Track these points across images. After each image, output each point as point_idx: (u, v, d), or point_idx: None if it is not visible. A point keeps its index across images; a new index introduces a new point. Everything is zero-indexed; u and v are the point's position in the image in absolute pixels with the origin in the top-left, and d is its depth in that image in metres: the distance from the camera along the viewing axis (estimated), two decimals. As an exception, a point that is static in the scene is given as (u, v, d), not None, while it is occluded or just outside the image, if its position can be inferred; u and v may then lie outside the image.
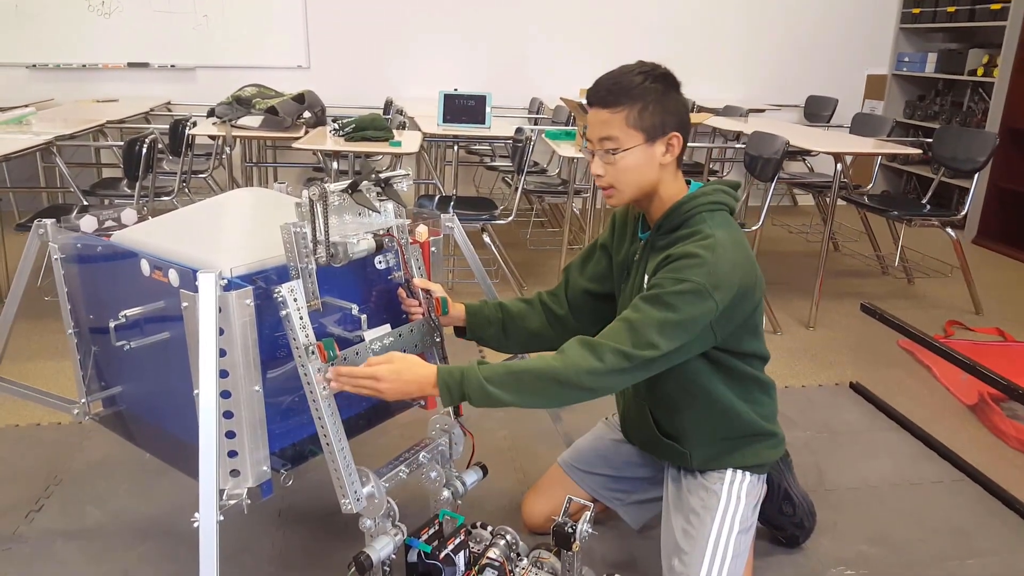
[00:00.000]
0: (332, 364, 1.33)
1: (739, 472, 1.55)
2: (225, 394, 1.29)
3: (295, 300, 1.29)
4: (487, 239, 3.18)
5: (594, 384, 1.34)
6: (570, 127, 3.75)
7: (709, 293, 1.33)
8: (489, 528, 1.65)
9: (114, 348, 1.46)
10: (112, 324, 1.40)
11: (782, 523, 1.76)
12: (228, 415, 1.30)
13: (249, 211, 1.55)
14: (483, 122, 3.38)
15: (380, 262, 1.50)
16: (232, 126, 3.30)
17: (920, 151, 3.62)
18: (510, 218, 3.10)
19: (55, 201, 3.95)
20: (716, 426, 1.52)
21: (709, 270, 1.33)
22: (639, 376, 1.37)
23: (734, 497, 1.52)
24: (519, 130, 3.21)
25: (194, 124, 3.34)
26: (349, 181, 1.34)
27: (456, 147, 3.81)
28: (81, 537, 1.72)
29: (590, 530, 1.46)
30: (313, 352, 1.29)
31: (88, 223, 1.58)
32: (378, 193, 1.41)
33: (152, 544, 1.69)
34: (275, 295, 1.28)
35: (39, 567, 1.63)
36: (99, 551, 1.68)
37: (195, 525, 1.16)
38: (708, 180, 1.78)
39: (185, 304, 1.26)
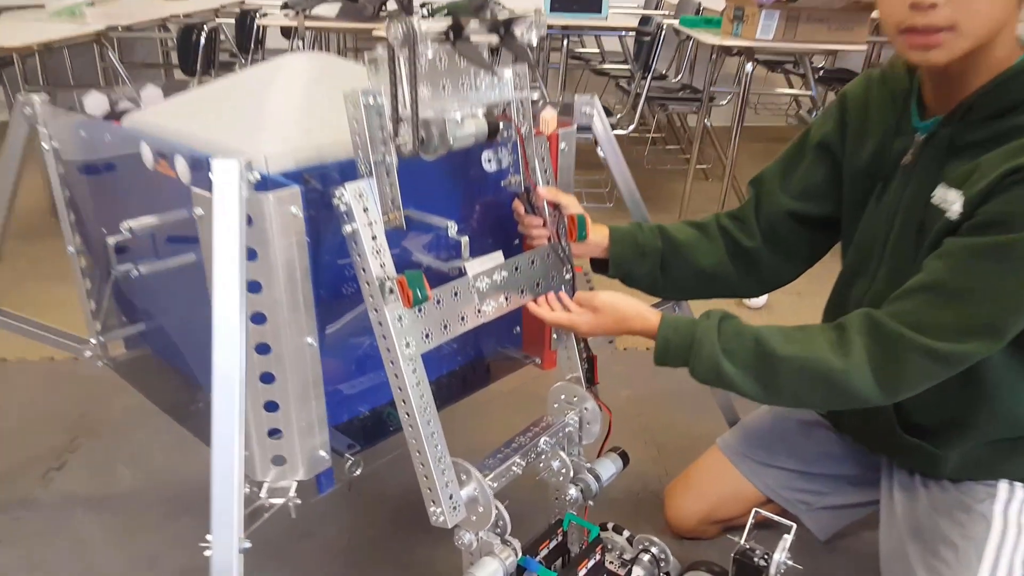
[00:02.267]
0: (420, 308, 0.88)
1: (1018, 488, 1.03)
2: (262, 348, 0.86)
3: (365, 210, 0.83)
4: (601, 153, 2.64)
5: (896, 395, 0.92)
6: (708, 14, 3.09)
7: None
8: (626, 534, 1.20)
9: (133, 273, 1.05)
10: (111, 241, 0.98)
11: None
12: (267, 378, 0.87)
13: (308, 83, 1.08)
14: (598, 11, 2.79)
15: (489, 160, 1.02)
16: (306, 16, 2.84)
17: None
18: (630, 127, 2.56)
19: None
20: (994, 423, 1.00)
21: None
22: (952, 372, 0.91)
23: (1012, 524, 1.01)
24: (645, 19, 2.62)
25: (264, 15, 2.89)
26: (447, 21, 0.85)
27: (566, 42, 3.20)
28: (105, 508, 1.37)
29: (789, 561, 0.99)
30: (392, 291, 0.84)
31: (95, 103, 1.15)
32: (491, 50, 0.92)
33: (190, 520, 1.32)
34: (335, 200, 0.82)
35: (44, 549, 1.29)
36: (124, 528, 1.32)
37: (206, 554, 0.74)
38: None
39: (199, 211, 0.82)
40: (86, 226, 1.17)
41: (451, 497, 0.90)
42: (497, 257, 0.99)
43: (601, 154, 1.26)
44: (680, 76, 3.57)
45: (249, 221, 0.80)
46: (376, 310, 0.85)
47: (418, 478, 0.89)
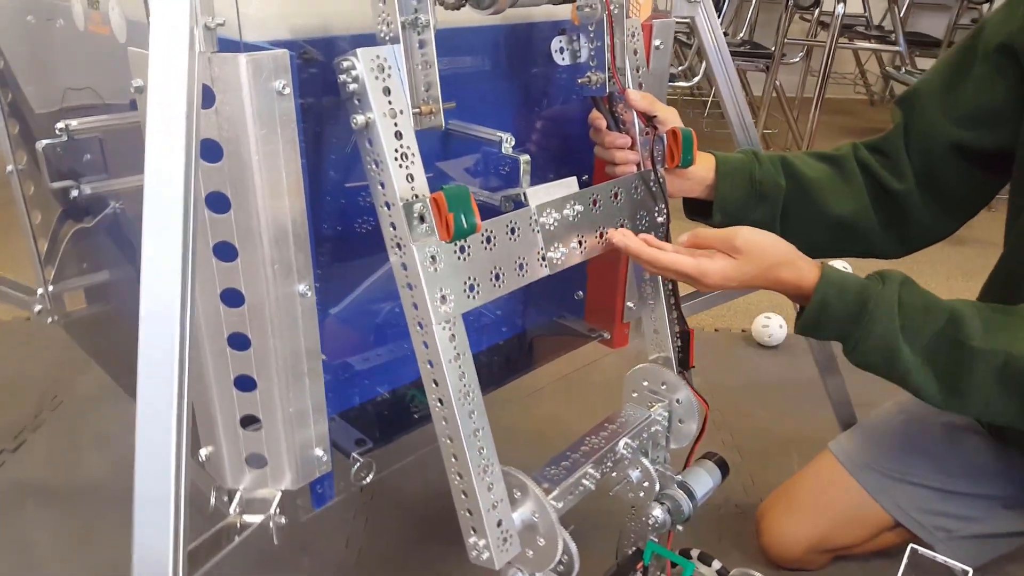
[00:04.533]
0: (463, 246, 0.60)
1: None
2: (231, 296, 0.59)
3: (386, 92, 0.55)
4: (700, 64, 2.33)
5: None
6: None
7: None
8: (716, 565, 0.91)
9: (93, 199, 0.79)
10: (40, 147, 0.71)
11: None
12: (238, 341, 0.60)
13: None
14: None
15: (562, 49, 0.73)
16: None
17: None
18: (695, 79, 2.25)
19: None
20: None
21: None
22: None
23: None
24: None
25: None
26: None
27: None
28: (64, 501, 1.12)
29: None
30: (423, 217, 0.56)
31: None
32: None
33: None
34: (341, 77, 0.54)
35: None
36: (81, 529, 1.07)
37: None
38: None
39: (137, 82, 0.54)
40: (27, 132, 0.90)
41: (499, 524, 0.62)
42: (570, 184, 0.70)
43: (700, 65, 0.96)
44: (742, 35, 3.24)
45: (210, 99, 0.53)
46: (399, 247, 0.57)
47: (453, 495, 0.62)
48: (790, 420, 1.38)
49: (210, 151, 0.54)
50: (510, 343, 0.95)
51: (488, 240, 0.62)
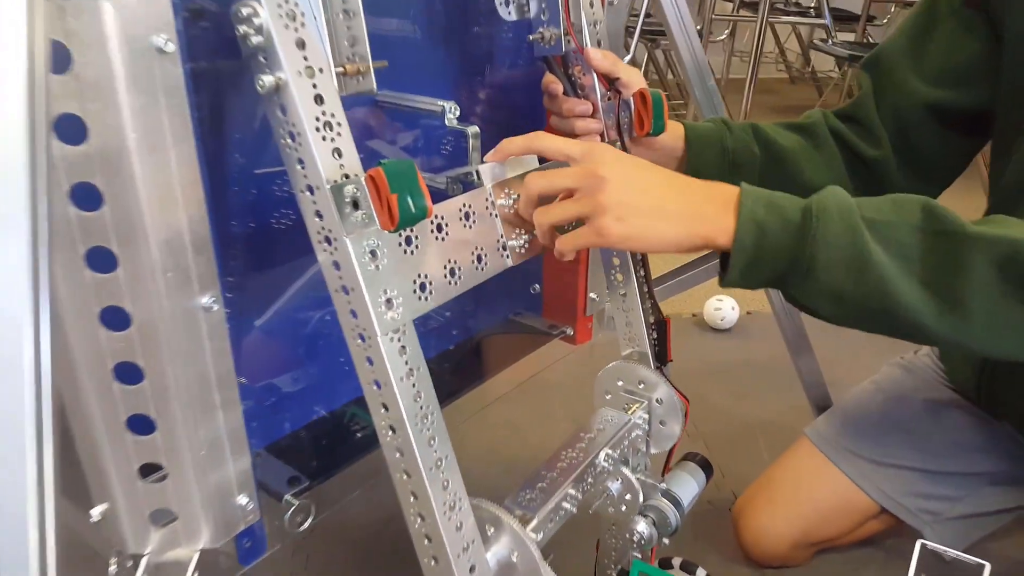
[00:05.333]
0: (407, 233, 0.49)
1: None
2: (112, 317, 0.46)
3: (301, 47, 0.43)
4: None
5: None
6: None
7: None
8: (702, 574, 0.83)
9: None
10: None
11: None
12: (127, 372, 0.47)
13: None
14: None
15: (508, 2, 0.63)
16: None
17: None
18: (628, 56, 2.17)
19: None
20: None
21: None
22: None
23: None
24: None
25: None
26: None
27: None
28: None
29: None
30: (356, 202, 0.44)
31: None
32: None
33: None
34: (241, 28, 0.42)
35: None
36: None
37: None
38: None
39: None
40: None
41: (472, 571, 0.51)
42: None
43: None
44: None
45: (64, 60, 0.40)
46: (328, 241, 0.45)
47: (415, 541, 0.51)
48: (752, 406, 1.32)
49: (70, 129, 0.41)
50: (462, 348, 0.84)
51: (439, 228, 0.51)
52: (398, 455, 0.49)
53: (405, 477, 0.50)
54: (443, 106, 0.60)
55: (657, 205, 0.53)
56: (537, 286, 0.86)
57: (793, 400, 1.21)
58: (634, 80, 0.67)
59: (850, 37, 3.20)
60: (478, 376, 0.80)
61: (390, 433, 0.49)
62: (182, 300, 0.47)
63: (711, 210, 0.55)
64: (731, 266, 0.55)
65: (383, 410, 0.48)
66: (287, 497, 0.58)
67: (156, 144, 0.43)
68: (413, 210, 0.44)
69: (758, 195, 0.56)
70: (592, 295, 0.84)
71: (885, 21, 3.59)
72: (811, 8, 3.48)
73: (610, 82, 0.66)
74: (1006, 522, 0.96)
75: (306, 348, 0.68)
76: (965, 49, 0.79)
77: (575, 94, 0.67)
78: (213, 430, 0.50)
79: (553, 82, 0.67)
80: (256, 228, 0.59)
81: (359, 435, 0.69)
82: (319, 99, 0.44)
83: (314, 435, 0.69)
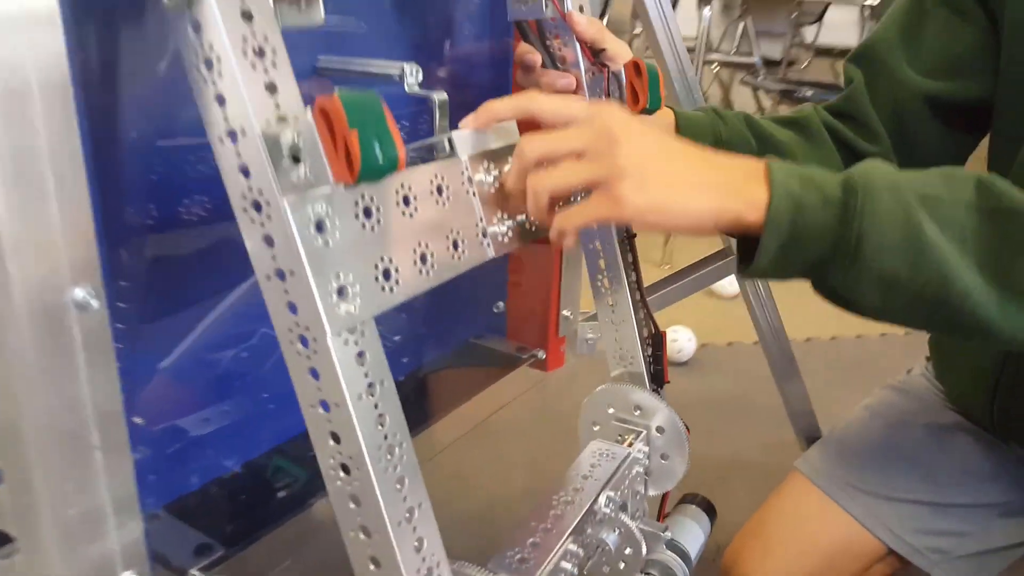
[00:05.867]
0: (367, 202, 0.36)
1: None
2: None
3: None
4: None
5: None
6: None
7: None
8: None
9: None
10: None
11: None
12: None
13: None
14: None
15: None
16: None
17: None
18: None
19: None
20: None
21: None
22: None
23: None
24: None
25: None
26: None
27: None
28: None
29: None
30: (297, 154, 0.31)
31: None
32: None
33: None
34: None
35: None
36: None
37: None
38: None
39: None
40: None
41: (458, 661, 0.38)
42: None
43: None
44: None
45: None
46: (257, 207, 0.33)
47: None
48: (720, 445, 1.23)
49: None
50: (413, 379, 0.71)
51: (406, 202, 0.39)
52: (352, 506, 0.36)
53: (363, 537, 0.36)
54: (403, 69, 0.48)
55: (682, 173, 0.43)
56: (501, 304, 0.74)
57: (764, 436, 1.13)
58: (621, 52, 0.58)
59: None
60: (436, 412, 0.67)
61: (342, 475, 0.35)
62: (41, 293, 0.33)
63: (740, 181, 0.44)
64: (761, 249, 0.44)
65: (332, 443, 0.35)
66: (193, 572, 0.43)
67: (19, 98, 0.30)
68: (380, 159, 0.32)
69: (789, 168, 0.46)
70: (565, 312, 0.73)
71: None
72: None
73: (595, 54, 0.57)
74: (1014, 559, 0.88)
75: (224, 377, 0.53)
76: (961, 39, 0.74)
77: (553, 67, 0.56)
78: (86, 481, 0.36)
79: (529, 51, 0.56)
80: (160, 215, 0.45)
81: (285, 488, 0.55)
82: (247, 15, 0.32)
83: (231, 490, 0.54)
